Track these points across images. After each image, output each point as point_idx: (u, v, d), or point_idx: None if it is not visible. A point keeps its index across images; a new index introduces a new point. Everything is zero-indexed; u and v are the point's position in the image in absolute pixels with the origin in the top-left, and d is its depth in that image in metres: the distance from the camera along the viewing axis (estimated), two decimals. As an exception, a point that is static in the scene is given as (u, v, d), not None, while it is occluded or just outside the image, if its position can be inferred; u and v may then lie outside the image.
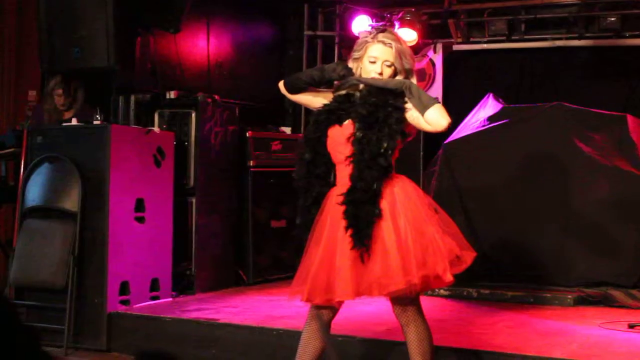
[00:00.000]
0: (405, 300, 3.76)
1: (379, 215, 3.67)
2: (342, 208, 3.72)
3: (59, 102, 6.62)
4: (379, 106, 3.76)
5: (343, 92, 3.94)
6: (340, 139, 3.80)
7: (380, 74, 3.85)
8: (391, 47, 3.86)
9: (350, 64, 3.94)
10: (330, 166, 3.87)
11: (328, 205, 3.81)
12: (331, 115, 3.88)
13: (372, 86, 3.83)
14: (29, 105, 7.81)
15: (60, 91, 6.60)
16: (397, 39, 3.90)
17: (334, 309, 3.88)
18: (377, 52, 3.87)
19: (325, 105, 3.93)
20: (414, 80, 3.91)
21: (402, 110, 3.77)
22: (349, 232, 3.67)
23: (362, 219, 3.67)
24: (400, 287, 3.62)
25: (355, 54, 3.93)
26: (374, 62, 3.86)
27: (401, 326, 3.84)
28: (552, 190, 6.64)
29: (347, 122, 3.83)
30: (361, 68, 3.91)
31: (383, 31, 3.93)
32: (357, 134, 3.74)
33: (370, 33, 3.94)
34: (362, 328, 5.14)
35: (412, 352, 3.82)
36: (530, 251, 6.59)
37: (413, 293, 3.72)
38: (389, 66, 3.86)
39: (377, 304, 6.09)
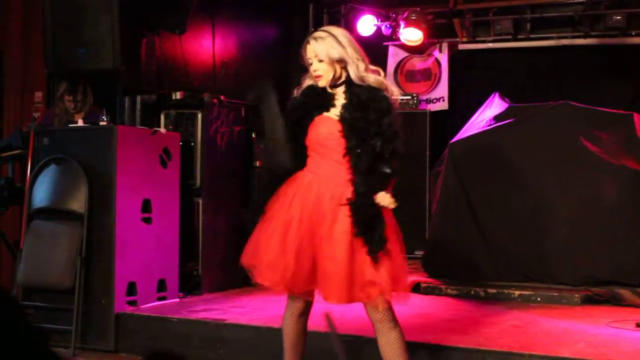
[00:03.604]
0: (388, 305, 3.84)
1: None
2: (326, 203, 3.80)
3: (69, 106, 6.64)
4: (366, 111, 3.81)
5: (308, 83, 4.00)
6: (326, 136, 3.86)
7: (316, 70, 3.89)
8: (314, 40, 3.91)
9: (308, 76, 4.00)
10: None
11: (299, 194, 3.86)
12: (307, 108, 3.95)
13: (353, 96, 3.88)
14: (35, 107, 7.83)
15: (70, 97, 6.62)
16: (327, 32, 3.94)
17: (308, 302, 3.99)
18: (307, 53, 3.93)
19: (295, 101, 4.00)
20: (359, 66, 3.88)
21: (390, 110, 3.82)
22: (363, 238, 3.72)
23: (375, 227, 3.73)
24: (390, 295, 3.78)
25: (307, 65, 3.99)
26: (310, 64, 3.92)
27: (378, 329, 3.90)
28: (558, 189, 6.63)
29: (329, 119, 3.88)
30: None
31: (314, 32, 4.01)
32: (353, 143, 3.79)
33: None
34: (370, 327, 5.13)
35: (396, 354, 3.87)
36: (537, 250, 6.58)
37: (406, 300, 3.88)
38: (320, 61, 3.89)
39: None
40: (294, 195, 3.85)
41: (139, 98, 6.81)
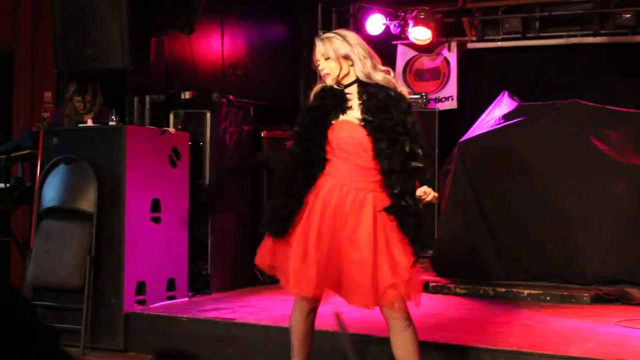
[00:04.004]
0: (403, 305, 3.84)
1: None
2: (347, 207, 3.79)
3: (79, 106, 6.65)
4: (389, 111, 3.82)
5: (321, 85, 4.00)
6: (346, 140, 3.85)
7: (323, 69, 3.93)
8: (321, 41, 3.94)
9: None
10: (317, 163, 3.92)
11: (319, 200, 3.84)
12: (322, 112, 3.93)
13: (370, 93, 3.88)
14: (44, 107, 7.84)
15: (79, 98, 6.63)
16: (335, 32, 3.98)
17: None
18: (315, 54, 3.97)
19: (312, 104, 3.98)
20: (365, 63, 3.88)
21: (410, 108, 3.85)
22: (409, 241, 3.76)
23: (421, 226, 3.79)
24: (409, 298, 3.80)
25: None
26: (318, 65, 3.95)
27: (392, 328, 3.89)
28: (567, 187, 6.61)
29: (348, 122, 3.87)
30: None
31: (322, 33, 4.04)
32: (383, 145, 3.78)
33: None
34: (380, 327, 5.13)
35: (408, 354, 3.86)
36: (546, 249, 6.57)
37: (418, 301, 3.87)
38: (327, 59, 3.92)
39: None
40: (314, 201, 3.84)
41: (148, 98, 6.81)
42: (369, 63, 3.89)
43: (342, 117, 3.90)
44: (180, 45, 7.33)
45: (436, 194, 3.78)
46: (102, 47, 6.16)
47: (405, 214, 3.75)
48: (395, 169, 3.76)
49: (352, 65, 3.90)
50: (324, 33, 4.04)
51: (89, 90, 6.62)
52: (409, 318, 3.86)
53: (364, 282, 3.73)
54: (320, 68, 3.94)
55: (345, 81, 3.93)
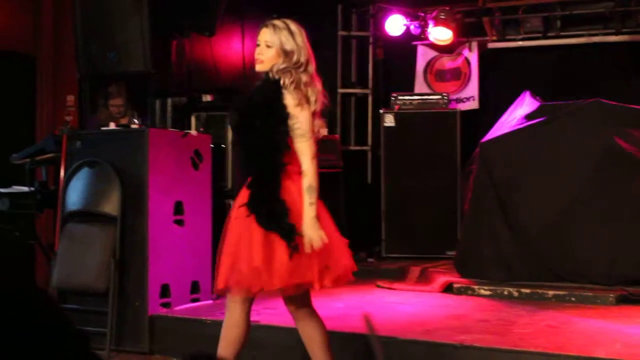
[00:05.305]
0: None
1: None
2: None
3: (114, 111, 6.69)
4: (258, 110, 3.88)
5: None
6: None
7: (260, 54, 3.94)
8: (272, 27, 3.95)
9: None
10: None
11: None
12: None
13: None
14: (67, 110, 7.88)
15: (114, 102, 6.67)
16: (287, 26, 3.99)
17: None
18: (260, 36, 3.98)
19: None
20: (288, 65, 3.90)
21: (274, 97, 3.86)
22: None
23: (279, 220, 3.82)
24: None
25: None
26: (258, 46, 3.96)
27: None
28: (591, 187, 6.58)
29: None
30: None
31: (274, 19, 4.05)
32: (237, 133, 4.05)
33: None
34: (403, 329, 5.13)
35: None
36: (570, 249, 6.53)
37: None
38: (269, 47, 3.93)
39: (417, 306, 6.08)
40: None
41: (169, 100, 6.84)
42: (295, 72, 3.89)
43: None
44: (201, 47, 7.35)
45: (319, 235, 3.76)
46: (124, 51, 6.19)
47: (258, 207, 3.81)
48: (246, 159, 3.94)
49: (284, 63, 3.91)
50: (276, 19, 4.03)
51: (122, 94, 6.67)
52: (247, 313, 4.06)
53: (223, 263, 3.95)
54: (257, 52, 3.96)
55: (270, 75, 3.96)
